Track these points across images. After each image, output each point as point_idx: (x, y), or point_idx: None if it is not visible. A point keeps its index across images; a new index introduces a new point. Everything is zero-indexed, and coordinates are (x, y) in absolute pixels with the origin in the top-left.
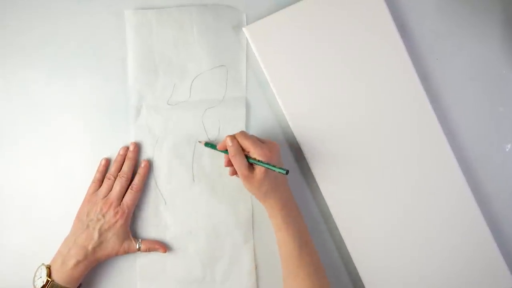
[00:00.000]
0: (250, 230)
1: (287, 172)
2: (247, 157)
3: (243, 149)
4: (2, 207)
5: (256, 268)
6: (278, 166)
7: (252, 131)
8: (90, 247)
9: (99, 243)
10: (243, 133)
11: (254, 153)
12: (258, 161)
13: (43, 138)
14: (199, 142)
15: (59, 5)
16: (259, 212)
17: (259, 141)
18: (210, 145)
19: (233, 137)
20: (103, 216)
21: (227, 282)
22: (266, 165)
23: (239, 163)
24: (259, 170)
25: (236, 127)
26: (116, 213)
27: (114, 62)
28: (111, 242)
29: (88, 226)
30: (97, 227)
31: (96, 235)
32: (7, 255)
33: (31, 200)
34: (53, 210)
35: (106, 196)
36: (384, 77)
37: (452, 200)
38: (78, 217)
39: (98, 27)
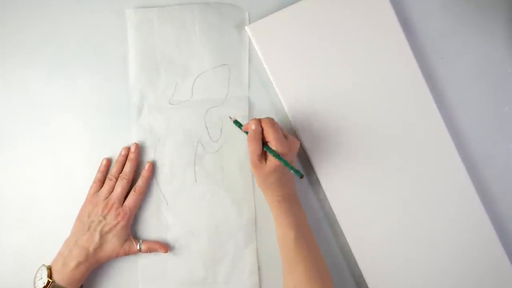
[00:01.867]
0: (253, 231)
1: (302, 176)
2: (266, 146)
3: (264, 137)
4: (2, 207)
5: (258, 269)
6: (294, 167)
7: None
8: (91, 249)
9: (100, 245)
10: (270, 121)
11: (273, 145)
12: (275, 154)
13: (43, 138)
14: (230, 117)
15: (60, 3)
16: (262, 213)
17: (282, 135)
18: (238, 123)
19: (258, 121)
20: (104, 217)
21: (229, 283)
22: (283, 162)
23: (253, 150)
24: (270, 163)
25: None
26: (118, 215)
27: (115, 61)
28: (112, 244)
29: (89, 227)
30: (98, 228)
31: (97, 236)
32: (7, 255)
33: (31, 200)
34: (53, 210)
35: (107, 198)
36: (388, 76)
37: (457, 199)
38: (79, 218)
39: (99, 26)
